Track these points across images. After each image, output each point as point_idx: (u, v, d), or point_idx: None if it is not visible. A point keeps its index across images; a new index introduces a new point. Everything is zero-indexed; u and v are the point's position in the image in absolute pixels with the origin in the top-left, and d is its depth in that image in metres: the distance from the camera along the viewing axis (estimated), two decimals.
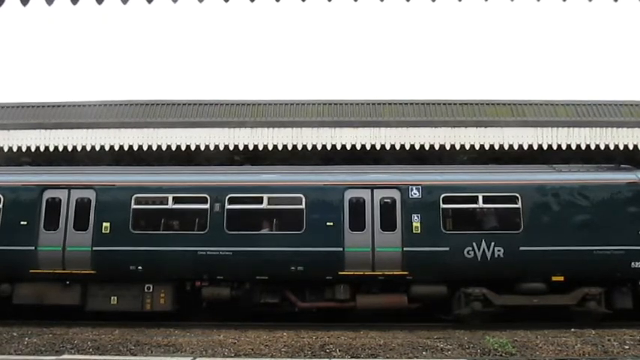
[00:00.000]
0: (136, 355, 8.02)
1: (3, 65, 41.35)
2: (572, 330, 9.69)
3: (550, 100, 14.39)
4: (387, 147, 13.66)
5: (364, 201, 10.65)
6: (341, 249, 10.32)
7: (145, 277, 10.40)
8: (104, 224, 10.50)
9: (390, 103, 14.33)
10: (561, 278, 10.32)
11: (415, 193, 10.62)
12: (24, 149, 13.82)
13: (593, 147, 13.56)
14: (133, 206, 10.59)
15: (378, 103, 14.32)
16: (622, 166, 11.46)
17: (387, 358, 7.83)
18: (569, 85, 37.31)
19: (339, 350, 8.14)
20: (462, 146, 13.67)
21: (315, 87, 39.57)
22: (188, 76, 39.13)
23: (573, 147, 13.59)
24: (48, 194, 10.75)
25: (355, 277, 10.35)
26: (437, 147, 13.65)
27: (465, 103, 14.26)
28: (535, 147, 13.58)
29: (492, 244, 10.26)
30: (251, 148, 13.71)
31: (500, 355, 7.95)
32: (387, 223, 10.50)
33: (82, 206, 10.65)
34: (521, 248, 10.29)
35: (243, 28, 42.49)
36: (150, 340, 8.73)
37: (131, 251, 10.33)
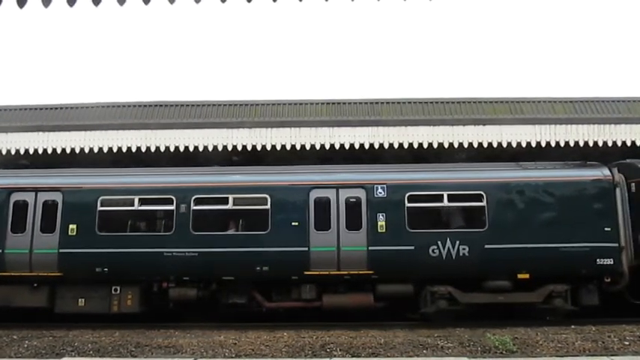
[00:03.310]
0: (136, 356, 8.02)
1: (1, 67, 41.30)
2: (572, 327, 9.72)
3: (548, 98, 14.39)
4: (386, 146, 13.66)
5: (330, 200, 10.69)
6: (306, 249, 10.37)
7: (112, 279, 10.47)
8: (71, 226, 10.57)
9: (388, 102, 14.32)
10: (527, 276, 10.38)
11: (380, 192, 10.66)
12: (22, 152, 13.81)
13: (591, 144, 13.56)
14: (100, 208, 10.65)
15: (377, 102, 14.31)
16: (589, 162, 11.44)
17: (388, 356, 7.83)
18: (567, 82, 37.36)
19: (340, 349, 8.14)
20: (461, 144, 13.67)
21: (314, 87, 39.58)
22: (187, 77, 39.12)
23: (571, 144, 13.59)
24: (15, 197, 10.81)
25: (321, 276, 10.40)
26: (435, 145, 13.65)
27: (463, 102, 14.26)
28: (533, 144, 13.58)
29: (457, 242, 10.32)
30: (250, 148, 13.71)
31: (501, 353, 7.95)
32: (353, 223, 10.55)
33: (49, 209, 10.71)
34: (486, 246, 10.35)
35: (241, 29, 42.49)
36: (150, 342, 8.74)
37: (97, 253, 10.39)
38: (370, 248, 10.38)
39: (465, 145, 13.65)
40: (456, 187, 10.80)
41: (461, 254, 10.28)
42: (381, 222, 10.47)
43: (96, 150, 13.71)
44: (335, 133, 13.72)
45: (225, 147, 13.73)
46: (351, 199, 10.67)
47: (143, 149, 13.71)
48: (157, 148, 13.72)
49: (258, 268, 10.26)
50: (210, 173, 11.47)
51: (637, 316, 10.22)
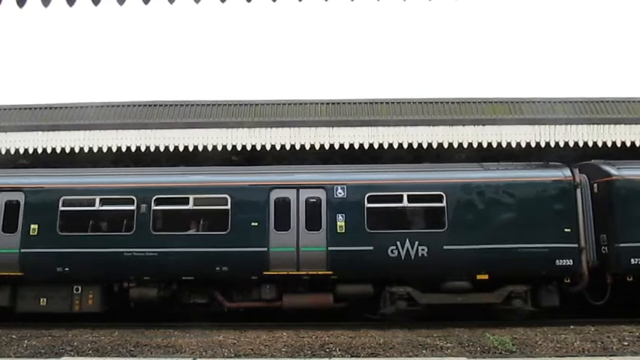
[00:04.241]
0: (135, 356, 8.03)
1: (1, 67, 41.29)
2: (572, 327, 9.74)
3: (547, 98, 14.38)
4: (385, 146, 13.65)
5: (290, 201, 10.70)
6: (265, 249, 10.39)
7: (73, 279, 10.49)
8: (32, 226, 10.61)
9: (387, 102, 14.31)
10: (486, 277, 10.40)
11: (340, 193, 10.68)
12: (22, 152, 13.80)
13: (590, 144, 13.55)
14: (61, 208, 10.68)
15: (376, 102, 14.31)
16: (551, 163, 11.44)
17: (387, 357, 7.84)
18: (567, 82, 37.36)
19: (339, 349, 8.15)
20: (460, 144, 13.67)
21: (313, 87, 39.57)
22: (186, 77, 39.11)
23: (571, 144, 13.58)
24: None
25: (280, 276, 10.42)
26: (435, 145, 13.64)
27: (463, 102, 14.25)
28: (533, 145, 13.57)
29: (416, 243, 10.34)
30: (249, 148, 13.70)
31: (500, 353, 7.97)
32: (313, 223, 10.58)
33: (11, 208, 10.75)
34: (445, 247, 10.37)
35: (241, 29, 42.48)
36: (149, 342, 8.74)
37: (58, 253, 10.40)
38: (329, 249, 10.40)
39: (465, 146, 13.64)
40: (416, 187, 10.83)
41: (420, 255, 10.30)
42: (341, 222, 10.50)
43: (95, 150, 13.70)
44: (334, 133, 13.72)
45: (224, 147, 13.72)
46: (311, 200, 10.70)
47: (143, 149, 13.70)
48: (157, 147, 13.71)
49: (217, 268, 10.28)
50: (171, 173, 11.50)
51: (636, 317, 10.24)
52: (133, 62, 40.49)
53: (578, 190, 10.70)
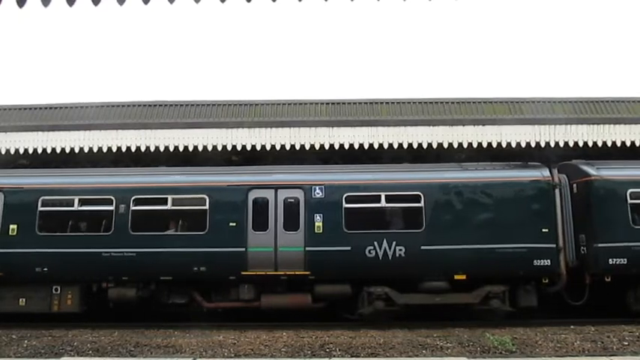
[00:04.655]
0: (135, 356, 8.03)
1: (1, 67, 41.28)
2: (572, 327, 9.75)
3: (547, 98, 14.37)
4: (385, 146, 13.65)
5: (268, 201, 10.70)
6: (243, 249, 10.39)
7: (52, 279, 10.49)
8: (11, 226, 10.62)
9: (387, 102, 14.31)
10: (463, 277, 10.40)
11: (318, 193, 10.69)
12: (22, 152, 13.80)
13: (590, 144, 13.55)
14: (40, 208, 10.69)
15: (376, 102, 14.30)
16: (530, 163, 11.42)
17: (387, 356, 7.85)
18: (567, 82, 37.35)
19: (339, 350, 8.15)
20: (460, 144, 13.66)
21: (313, 87, 39.55)
22: (186, 77, 39.10)
23: (571, 144, 13.57)
24: None
25: (258, 276, 10.42)
26: (435, 145, 13.63)
27: (463, 102, 14.24)
28: (533, 144, 13.56)
29: (394, 243, 10.34)
30: (249, 148, 13.70)
31: (500, 353, 7.97)
32: (290, 223, 10.58)
33: None
34: (423, 247, 10.37)
35: (240, 29, 42.48)
36: (149, 342, 8.75)
37: (37, 253, 10.41)
38: (307, 249, 10.40)
39: (465, 146, 13.64)
40: (394, 187, 10.82)
41: (397, 255, 10.30)
42: (319, 222, 10.50)
43: (95, 150, 13.70)
44: (334, 133, 13.71)
45: (224, 147, 13.72)
46: (290, 200, 10.71)
47: (143, 149, 13.70)
48: (157, 147, 13.71)
49: (195, 269, 10.29)
50: (149, 174, 11.50)
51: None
52: (133, 62, 40.51)
53: (557, 191, 10.70)
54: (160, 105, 14.40)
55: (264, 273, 10.36)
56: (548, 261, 10.27)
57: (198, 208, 10.65)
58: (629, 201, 10.57)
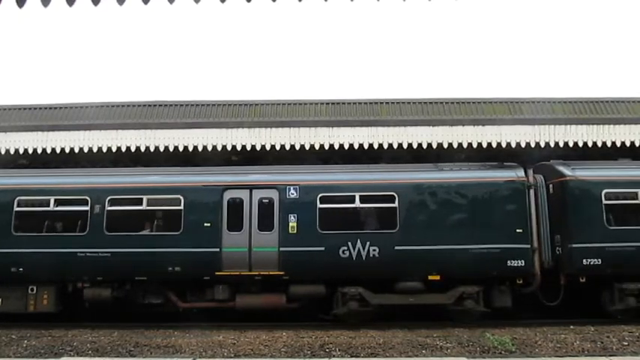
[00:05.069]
0: (135, 356, 8.03)
1: (1, 67, 41.27)
2: (572, 327, 9.74)
3: (547, 98, 14.37)
4: (385, 146, 13.64)
5: (243, 201, 10.70)
6: (218, 249, 10.40)
7: (28, 279, 10.50)
8: None
9: (387, 102, 14.31)
10: (437, 277, 10.39)
11: (293, 193, 10.70)
12: (22, 152, 13.79)
13: (590, 144, 13.55)
14: (16, 208, 10.71)
15: (376, 102, 14.30)
16: (506, 164, 11.40)
17: (387, 356, 7.84)
18: (567, 82, 37.34)
19: (339, 350, 8.15)
20: (460, 145, 13.65)
21: (313, 87, 39.53)
22: (186, 77, 39.10)
23: (570, 144, 13.57)
24: None
25: (233, 277, 10.42)
26: (435, 146, 13.63)
27: (463, 102, 14.24)
28: (532, 145, 13.56)
29: (367, 243, 10.34)
30: (249, 148, 13.70)
31: (500, 353, 7.97)
32: (265, 223, 10.59)
33: None
34: (397, 248, 10.36)
35: (240, 29, 42.46)
36: (149, 342, 8.75)
37: (13, 253, 10.43)
38: (281, 249, 10.41)
39: (465, 146, 13.63)
40: (368, 188, 10.82)
41: (371, 255, 10.29)
42: (293, 223, 10.52)
43: (95, 150, 13.70)
44: (334, 133, 13.71)
45: (224, 147, 13.72)
46: (264, 200, 10.72)
47: (142, 149, 13.70)
48: (157, 147, 13.71)
49: (170, 269, 10.30)
50: (125, 174, 11.53)
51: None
52: (132, 62, 40.51)
53: (531, 191, 10.70)
54: (160, 105, 14.40)
55: (238, 273, 10.38)
56: (522, 261, 10.27)
57: (173, 208, 10.68)
58: (604, 201, 10.57)
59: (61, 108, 14.45)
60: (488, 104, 14.21)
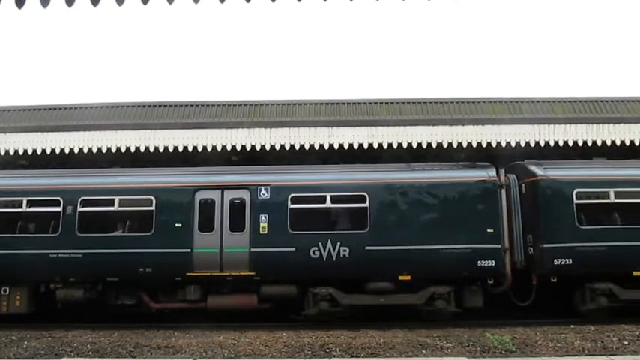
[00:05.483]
0: (135, 357, 8.02)
1: (1, 68, 41.27)
2: (572, 326, 9.74)
3: (547, 97, 14.37)
4: (385, 146, 13.65)
5: (214, 202, 10.72)
6: (189, 250, 10.42)
7: (1, 280, 10.52)
8: None
9: (387, 102, 14.30)
10: (408, 277, 10.39)
11: (264, 194, 10.71)
12: (21, 152, 13.79)
13: (590, 143, 13.55)
14: None
15: (376, 102, 14.30)
16: (478, 163, 11.39)
17: (387, 356, 7.84)
18: (566, 81, 37.35)
19: (339, 350, 8.15)
20: (460, 144, 13.66)
21: (313, 87, 39.55)
22: (186, 77, 39.11)
23: (570, 144, 13.58)
24: None
25: (204, 277, 10.43)
26: (434, 145, 13.63)
27: (462, 102, 14.24)
28: (532, 144, 13.57)
29: (338, 243, 10.34)
30: (249, 148, 13.70)
31: (500, 353, 7.96)
32: (236, 224, 10.59)
33: None
34: (367, 248, 10.37)
35: (240, 29, 42.47)
36: (149, 342, 8.75)
37: None
38: (252, 249, 10.42)
39: (465, 145, 13.64)
40: (339, 188, 10.83)
41: (342, 255, 10.30)
42: (264, 223, 10.53)
43: (95, 150, 13.70)
44: (334, 133, 13.71)
45: (224, 147, 13.72)
46: (236, 201, 10.73)
47: (142, 149, 13.71)
48: (157, 148, 13.71)
49: (141, 269, 10.31)
50: (97, 175, 11.53)
51: (636, 316, 10.25)
52: (132, 63, 40.51)
53: (503, 191, 10.69)
54: (160, 105, 14.40)
55: (209, 274, 10.39)
56: (493, 261, 10.27)
57: (144, 209, 10.69)
58: (575, 201, 10.57)
59: (60, 109, 14.45)
60: (487, 104, 14.21)
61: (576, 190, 10.63)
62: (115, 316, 10.94)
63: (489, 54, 40.97)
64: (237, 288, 10.57)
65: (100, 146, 13.72)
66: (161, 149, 13.71)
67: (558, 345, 8.29)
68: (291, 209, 10.59)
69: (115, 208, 10.75)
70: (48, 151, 13.74)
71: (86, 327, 10.13)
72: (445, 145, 13.64)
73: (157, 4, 5.11)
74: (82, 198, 10.72)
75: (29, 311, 10.64)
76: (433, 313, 10.54)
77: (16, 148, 13.79)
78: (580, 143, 13.58)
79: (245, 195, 10.74)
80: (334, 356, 7.87)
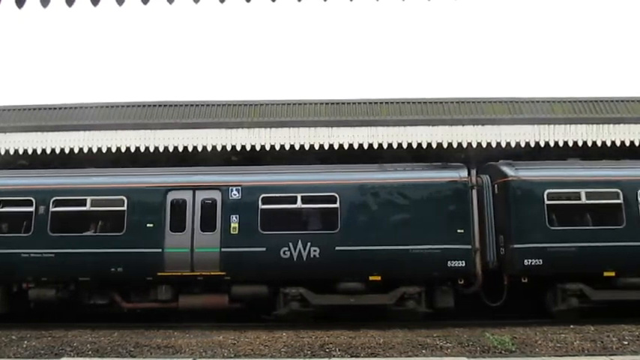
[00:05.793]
0: (135, 357, 8.03)
1: (1, 68, 41.26)
2: (572, 327, 9.73)
3: (547, 97, 14.36)
4: (385, 146, 13.64)
5: (186, 202, 10.73)
6: (160, 250, 10.43)
7: None
8: None
9: (387, 102, 14.30)
10: (378, 278, 10.38)
11: (235, 194, 10.73)
12: (21, 152, 13.79)
13: (590, 144, 13.56)
14: None
15: (376, 102, 14.30)
16: (450, 164, 11.38)
17: (387, 356, 7.84)
18: (566, 81, 37.34)
19: (339, 350, 8.15)
20: (460, 144, 13.66)
21: (313, 87, 39.53)
22: (186, 77, 39.10)
23: (570, 144, 13.58)
24: None
25: (175, 277, 10.44)
26: (434, 145, 13.63)
27: (462, 102, 14.24)
28: (532, 144, 13.57)
29: (308, 244, 10.35)
30: (249, 148, 13.70)
31: (500, 353, 7.96)
32: (207, 224, 10.61)
33: None
34: (337, 248, 10.37)
35: (240, 29, 42.46)
36: (149, 342, 8.75)
37: None
38: (222, 249, 10.43)
39: (465, 145, 13.64)
40: (310, 188, 10.83)
41: (312, 256, 10.31)
42: (234, 224, 10.54)
43: (95, 150, 13.70)
44: (334, 133, 13.71)
45: (224, 147, 13.72)
46: (207, 201, 10.75)
47: (142, 149, 13.71)
48: (156, 148, 13.71)
49: (112, 269, 10.32)
50: (70, 175, 11.53)
51: (636, 317, 10.26)
52: (132, 63, 40.52)
53: (474, 191, 10.68)
54: (160, 105, 14.40)
55: (180, 274, 10.40)
56: (463, 262, 10.27)
57: (116, 209, 10.71)
58: (546, 202, 10.56)
59: (60, 108, 14.44)
60: (487, 104, 14.21)
61: (547, 191, 10.62)
62: (115, 316, 10.93)
63: (489, 54, 41.00)
64: (208, 288, 10.58)
65: (100, 146, 13.72)
66: (161, 149, 13.71)
67: (558, 345, 8.29)
68: (262, 209, 10.60)
69: (87, 208, 10.77)
70: (48, 151, 13.74)
71: (86, 327, 10.13)
72: (445, 145, 13.64)
73: (157, 4, 5.12)
74: (54, 198, 10.76)
75: (2, 311, 10.64)
76: (404, 314, 10.53)
77: (16, 148, 13.79)
78: (580, 143, 13.58)
79: (216, 195, 10.76)
80: (334, 356, 7.88)
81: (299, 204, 10.66)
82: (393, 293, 10.44)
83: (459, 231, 10.36)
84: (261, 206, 10.62)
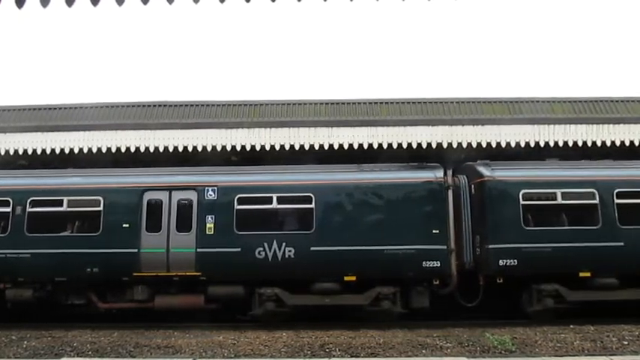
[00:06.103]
0: (135, 357, 8.03)
1: (0, 68, 41.26)
2: (571, 327, 9.73)
3: (547, 97, 14.36)
4: (385, 146, 13.64)
5: (162, 202, 10.75)
6: (136, 250, 10.44)
7: None
8: None
9: (387, 102, 14.30)
10: (353, 278, 10.38)
11: (211, 195, 10.75)
12: (21, 152, 13.79)
13: (590, 144, 13.55)
14: None
15: (376, 102, 14.29)
16: (427, 164, 11.37)
17: (387, 356, 7.85)
18: (566, 81, 37.34)
19: (339, 350, 8.15)
20: (460, 144, 13.65)
21: (313, 87, 39.53)
22: (185, 77, 39.09)
23: (570, 144, 13.57)
24: None
25: (150, 277, 10.46)
26: (434, 145, 13.63)
27: (462, 102, 14.23)
28: (532, 144, 13.56)
29: (284, 244, 10.36)
30: (248, 148, 13.69)
31: (500, 353, 7.97)
32: (183, 224, 10.63)
33: None
34: (312, 248, 10.38)
35: (240, 29, 42.46)
36: (149, 342, 8.75)
37: None
38: (198, 250, 10.45)
39: (464, 146, 13.63)
40: (286, 189, 10.85)
41: (287, 256, 10.32)
42: (210, 224, 10.55)
43: (95, 150, 13.70)
44: (334, 133, 13.71)
45: (224, 147, 13.72)
46: (183, 201, 10.78)
47: (142, 149, 13.70)
48: (156, 148, 13.71)
49: (88, 270, 10.33)
50: (46, 176, 11.55)
51: (636, 316, 10.25)
52: (131, 63, 40.52)
53: (450, 192, 10.68)
54: (160, 105, 14.39)
55: (156, 274, 10.42)
56: (438, 262, 10.27)
57: (92, 209, 10.71)
58: (522, 202, 10.55)
59: (60, 108, 14.44)
60: (487, 104, 14.20)
61: (523, 191, 10.62)
62: (115, 316, 10.94)
63: (489, 54, 41.00)
64: (184, 288, 10.59)
65: (99, 146, 13.71)
66: (161, 149, 13.70)
67: (558, 345, 8.30)
68: (237, 210, 10.61)
69: (64, 208, 10.78)
70: (48, 151, 13.74)
71: (86, 327, 10.12)
72: (445, 145, 13.64)
73: (157, 4, 5.11)
74: (31, 198, 10.77)
75: None
76: (379, 314, 10.52)
77: (16, 148, 13.78)
78: (580, 143, 13.57)
79: (192, 196, 10.78)
80: (334, 356, 7.88)
81: (275, 204, 10.67)
82: (369, 293, 10.43)
83: (434, 231, 10.37)
84: (237, 206, 10.63)
